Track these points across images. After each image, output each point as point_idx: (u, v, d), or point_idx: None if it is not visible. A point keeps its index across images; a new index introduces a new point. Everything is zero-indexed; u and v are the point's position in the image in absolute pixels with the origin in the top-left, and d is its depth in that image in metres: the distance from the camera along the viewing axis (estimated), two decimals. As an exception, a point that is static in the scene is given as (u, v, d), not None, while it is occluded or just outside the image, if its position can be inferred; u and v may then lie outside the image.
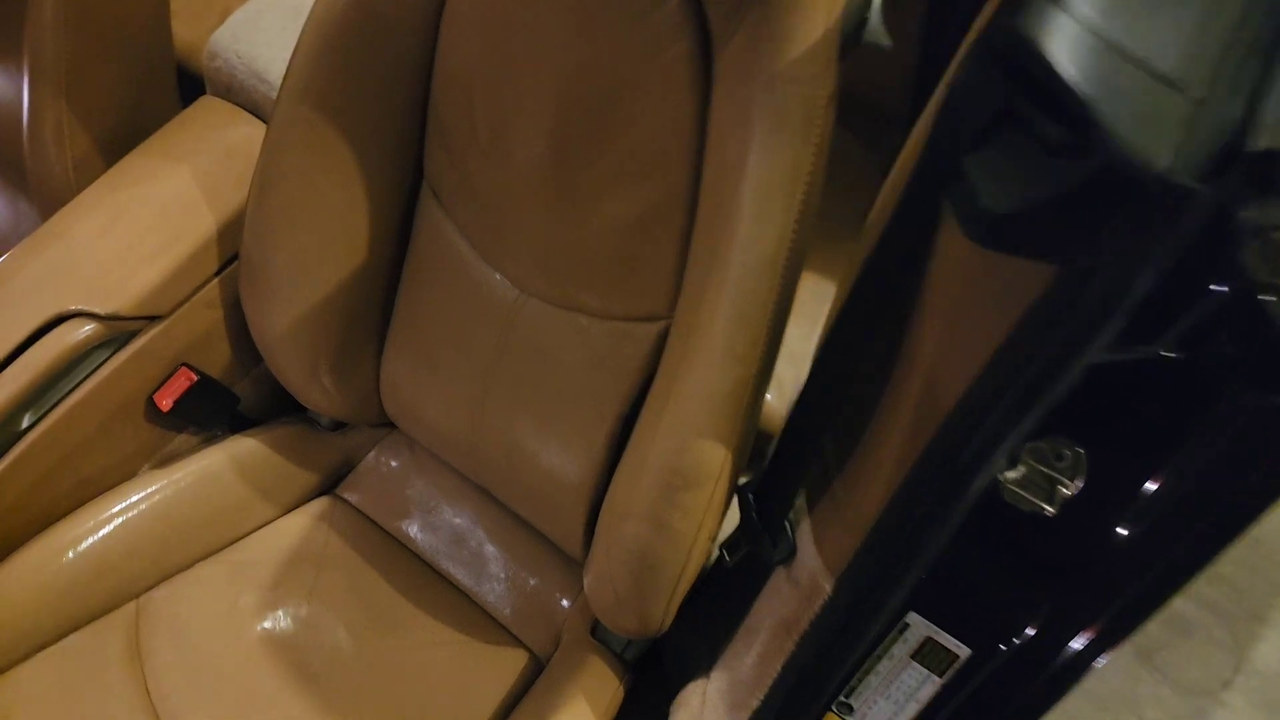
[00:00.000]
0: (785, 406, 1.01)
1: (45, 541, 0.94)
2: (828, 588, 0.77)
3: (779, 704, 0.83)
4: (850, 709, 0.84)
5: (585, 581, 0.93)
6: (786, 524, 0.81)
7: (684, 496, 0.76)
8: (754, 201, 0.68)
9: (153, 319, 0.95)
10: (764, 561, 0.85)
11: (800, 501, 0.81)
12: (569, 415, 0.90)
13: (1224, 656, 1.38)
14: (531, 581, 1.07)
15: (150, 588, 0.98)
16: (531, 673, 1.01)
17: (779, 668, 0.82)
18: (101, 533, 0.95)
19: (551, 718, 0.90)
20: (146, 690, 0.89)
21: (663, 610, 0.84)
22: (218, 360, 1.04)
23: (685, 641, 0.94)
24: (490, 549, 1.09)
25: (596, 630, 1.01)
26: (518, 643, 1.03)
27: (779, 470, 0.80)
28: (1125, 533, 0.58)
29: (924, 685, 0.78)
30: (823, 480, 0.78)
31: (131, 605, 0.96)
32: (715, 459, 0.74)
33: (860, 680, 0.82)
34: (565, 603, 1.05)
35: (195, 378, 0.98)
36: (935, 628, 0.77)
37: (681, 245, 0.79)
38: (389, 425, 1.14)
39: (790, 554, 0.81)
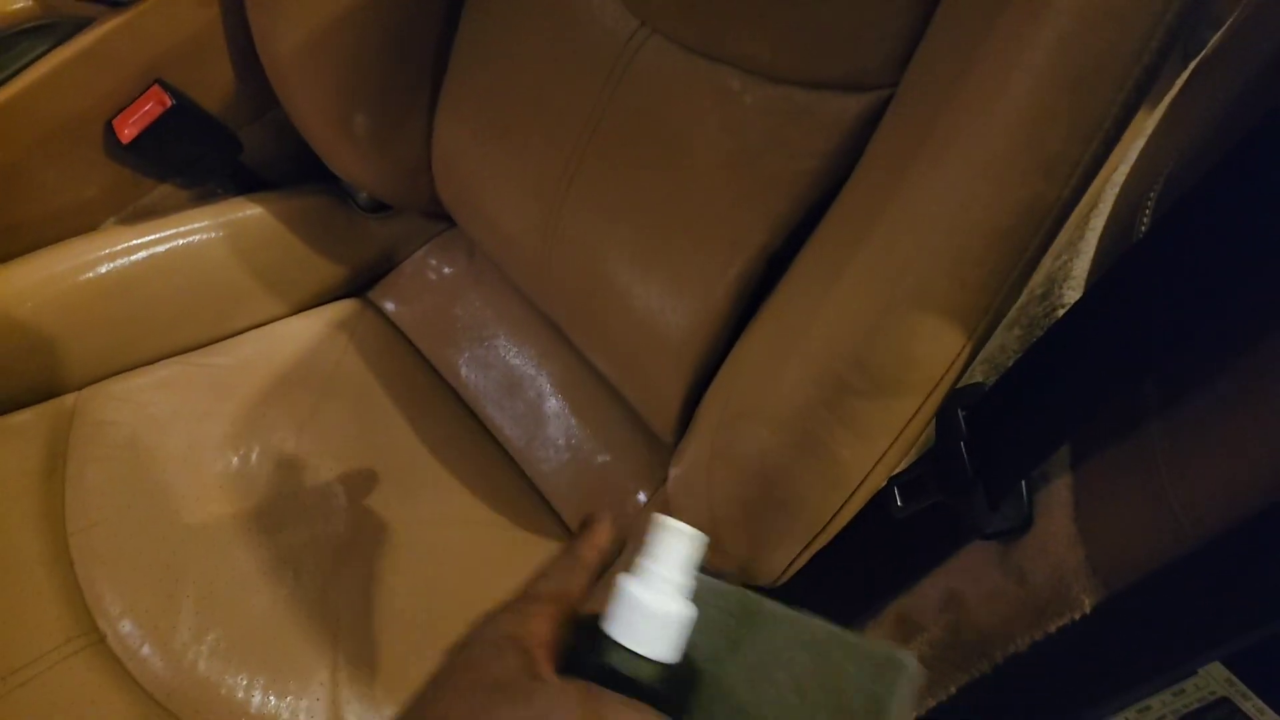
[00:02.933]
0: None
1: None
2: (1086, 602, 0.44)
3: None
4: (1042, 763, 0.53)
5: (670, 480, 0.63)
6: (1023, 482, 0.48)
7: (864, 408, 0.42)
8: None
9: (110, 4, 0.65)
10: (959, 525, 0.52)
11: (1062, 455, 0.47)
12: (684, 237, 0.57)
13: None
14: (600, 458, 0.77)
15: (95, 380, 0.73)
16: (581, 580, 0.73)
17: (953, 688, 0.52)
18: (39, 297, 0.70)
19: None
20: (63, 515, 0.65)
21: (783, 563, 0.53)
22: (213, 86, 0.74)
23: (802, 601, 0.64)
24: (553, 404, 0.80)
25: (676, 546, 0.72)
26: (568, 534, 0.75)
27: (1033, 392, 0.46)
28: None
29: (1186, 766, 0.46)
30: (1122, 432, 0.43)
31: (69, 399, 0.72)
32: (941, 351, 0.40)
33: (1076, 730, 0.51)
34: (641, 496, 0.76)
35: (171, 102, 0.69)
36: (1247, 690, 0.45)
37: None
38: (446, 219, 0.84)
39: (1019, 529, 0.48)
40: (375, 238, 0.85)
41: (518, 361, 0.82)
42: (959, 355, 0.40)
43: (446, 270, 0.86)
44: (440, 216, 0.84)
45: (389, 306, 0.86)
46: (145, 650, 0.61)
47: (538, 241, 0.67)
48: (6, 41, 0.63)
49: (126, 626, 0.61)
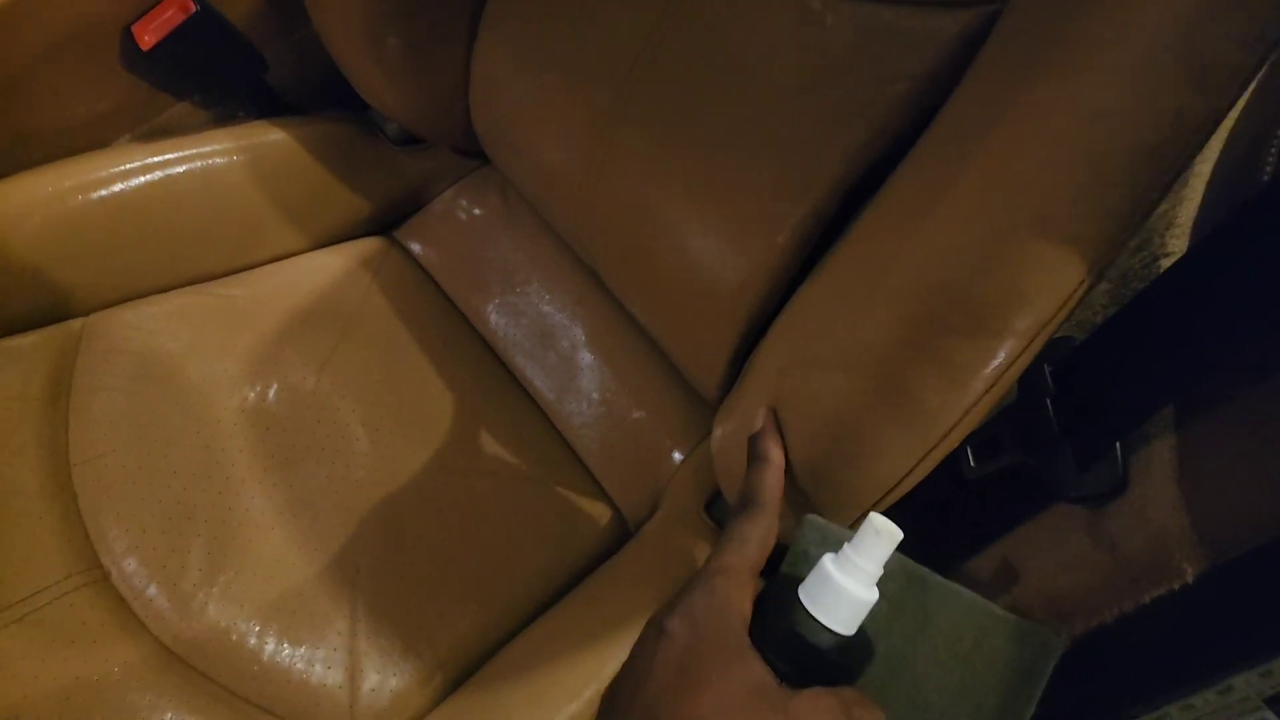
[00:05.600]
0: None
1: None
2: (1188, 571, 0.40)
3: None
4: (1111, 746, 0.50)
5: (715, 438, 0.59)
6: (1118, 443, 0.44)
7: (960, 349, 0.38)
8: None
9: (132, -106, 0.61)
10: (1037, 488, 0.48)
11: (1165, 415, 0.43)
12: (750, 169, 0.52)
13: None
14: (635, 414, 0.74)
15: (105, 306, 0.69)
16: (612, 539, 0.70)
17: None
18: (47, 213, 0.66)
19: (631, 620, 0.59)
20: (66, 445, 0.61)
21: (845, 524, 0.49)
22: (239, -2, 0.69)
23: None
24: (587, 357, 0.76)
25: (714, 505, 0.68)
26: (599, 492, 0.72)
27: (1137, 347, 0.42)
28: None
29: (1272, 754, 0.43)
30: (1243, 387, 0.39)
31: (76, 324, 0.68)
32: (1058, 285, 0.36)
33: (1154, 709, 0.48)
34: (677, 455, 0.72)
35: (194, 8, 0.64)
36: None
37: None
38: (478, 156, 0.79)
39: (1111, 493, 0.44)
40: (403, 173, 0.81)
41: (551, 310, 0.77)
42: (1076, 290, 0.36)
43: (477, 211, 0.82)
44: (472, 154, 0.80)
45: (415, 248, 0.82)
46: (151, 590, 0.57)
47: (583, 174, 0.62)
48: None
49: (132, 565, 0.58)
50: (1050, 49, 0.35)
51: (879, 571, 0.38)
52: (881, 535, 0.38)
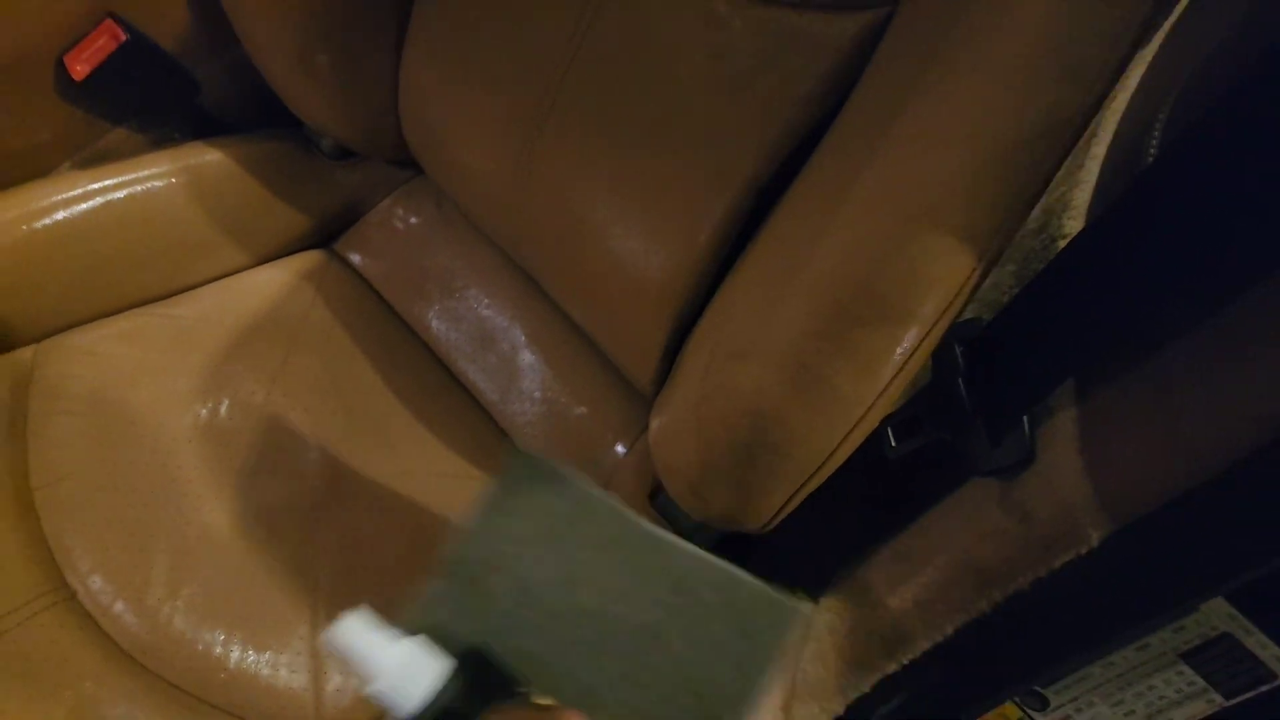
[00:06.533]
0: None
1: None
2: (1093, 536, 0.43)
3: (938, 677, 0.53)
4: (1043, 702, 0.54)
5: (652, 430, 0.61)
6: (1025, 417, 0.47)
7: (868, 338, 0.41)
8: None
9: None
10: (957, 463, 0.51)
11: (1067, 388, 0.46)
12: (668, 170, 0.55)
13: None
14: (577, 410, 0.76)
15: (55, 332, 0.70)
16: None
17: (951, 629, 0.51)
18: (-12, 244, 0.67)
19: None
20: (25, 469, 0.62)
21: (772, 509, 0.52)
22: (169, 21, 0.70)
23: (789, 545, 0.63)
24: (528, 357, 0.78)
25: (658, 496, 0.70)
26: (549, 488, 0.74)
27: (1037, 325, 0.45)
28: None
29: (1187, 701, 0.49)
30: (1134, 359, 0.42)
31: (27, 353, 0.69)
32: (952, 275, 0.39)
33: (1078, 668, 0.52)
34: (619, 448, 0.74)
35: (125, 36, 0.65)
36: (1249, 625, 0.48)
37: None
38: (413, 166, 0.81)
39: (1020, 464, 0.47)
40: (340, 186, 0.82)
41: (490, 313, 0.79)
42: (969, 278, 0.39)
43: (413, 220, 0.83)
44: (407, 164, 0.81)
45: (355, 259, 0.83)
46: (118, 606, 0.59)
47: (510, 182, 0.64)
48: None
49: (97, 582, 0.59)
50: (934, 52, 0.38)
51: (391, 632, 0.37)
52: (349, 630, 0.37)
